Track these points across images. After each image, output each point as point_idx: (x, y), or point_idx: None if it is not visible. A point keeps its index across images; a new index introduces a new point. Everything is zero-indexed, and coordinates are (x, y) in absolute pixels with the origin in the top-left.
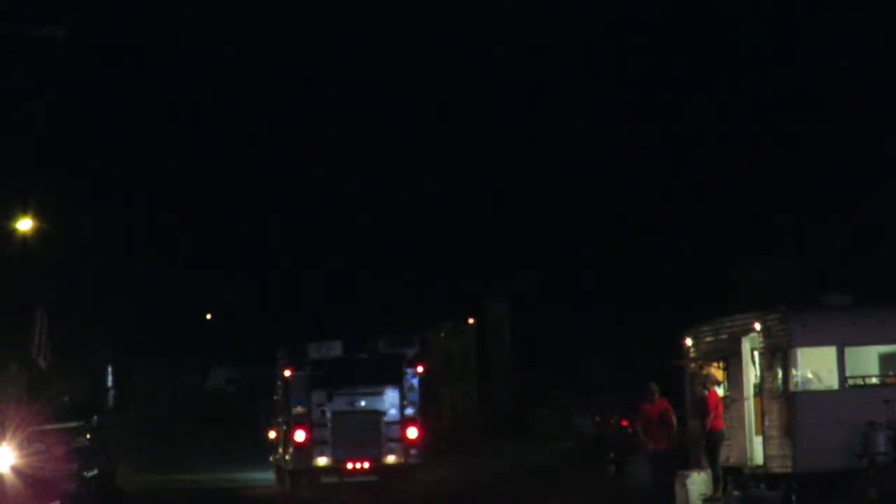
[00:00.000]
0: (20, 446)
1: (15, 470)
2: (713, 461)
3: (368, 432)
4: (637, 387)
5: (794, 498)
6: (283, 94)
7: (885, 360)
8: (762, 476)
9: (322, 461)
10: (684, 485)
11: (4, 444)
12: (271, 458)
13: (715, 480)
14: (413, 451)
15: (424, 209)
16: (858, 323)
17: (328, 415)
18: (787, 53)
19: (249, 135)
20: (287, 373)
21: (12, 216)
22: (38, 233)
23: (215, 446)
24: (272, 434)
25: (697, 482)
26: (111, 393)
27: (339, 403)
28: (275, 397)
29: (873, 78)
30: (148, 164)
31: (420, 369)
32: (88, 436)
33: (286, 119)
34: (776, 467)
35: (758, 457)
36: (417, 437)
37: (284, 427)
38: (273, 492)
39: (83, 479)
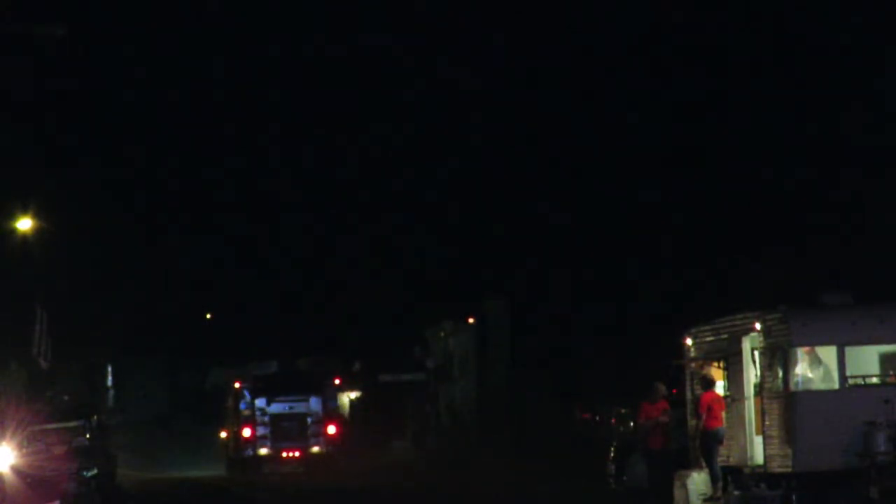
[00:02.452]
0: (20, 446)
1: (15, 469)
2: (710, 461)
3: (298, 429)
4: (638, 386)
5: (794, 498)
6: (282, 97)
7: (885, 360)
8: (762, 476)
9: (263, 451)
10: (684, 485)
11: (4, 443)
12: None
13: (714, 480)
14: (332, 443)
15: (425, 209)
16: (858, 322)
17: (267, 416)
18: (785, 52)
19: (248, 136)
20: (237, 385)
21: (12, 216)
22: (37, 233)
23: (212, 444)
24: (223, 434)
25: (697, 482)
26: (111, 393)
27: (276, 407)
28: (226, 405)
29: (875, 74)
30: (148, 165)
31: (337, 381)
32: (88, 435)
33: (285, 118)
34: (776, 467)
35: (758, 456)
36: (335, 433)
37: (235, 427)
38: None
39: (83, 478)
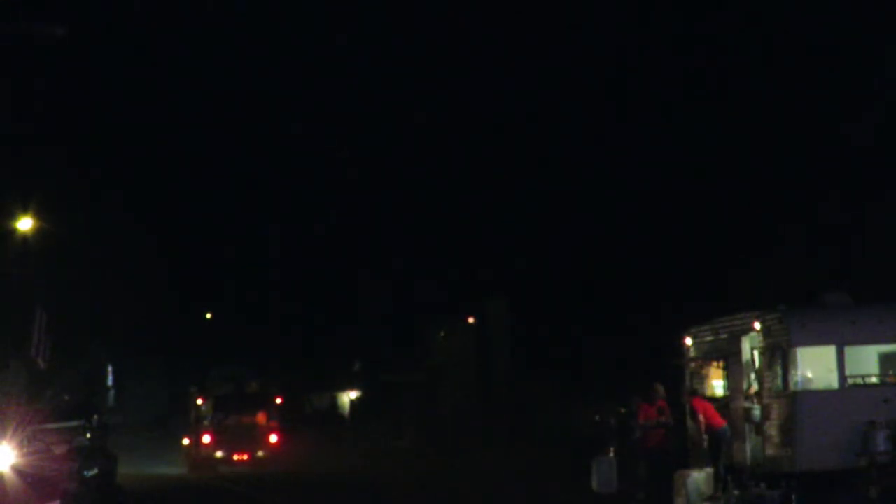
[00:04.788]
0: (20, 446)
1: (15, 469)
2: (716, 460)
3: (247, 437)
4: (638, 386)
5: (794, 498)
6: (281, 100)
7: (885, 360)
8: (762, 476)
9: (219, 454)
10: (684, 484)
11: (4, 443)
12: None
13: (716, 479)
14: (273, 449)
15: (425, 209)
16: (858, 322)
17: (223, 427)
18: (785, 50)
19: (246, 141)
20: (199, 401)
21: (12, 216)
22: (38, 233)
23: None
24: (186, 441)
25: (697, 482)
26: (111, 393)
27: (231, 419)
28: (189, 417)
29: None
30: (149, 165)
31: (279, 400)
32: (88, 435)
33: (284, 121)
34: (776, 467)
35: (758, 456)
36: (276, 441)
37: (196, 434)
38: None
39: (83, 478)
